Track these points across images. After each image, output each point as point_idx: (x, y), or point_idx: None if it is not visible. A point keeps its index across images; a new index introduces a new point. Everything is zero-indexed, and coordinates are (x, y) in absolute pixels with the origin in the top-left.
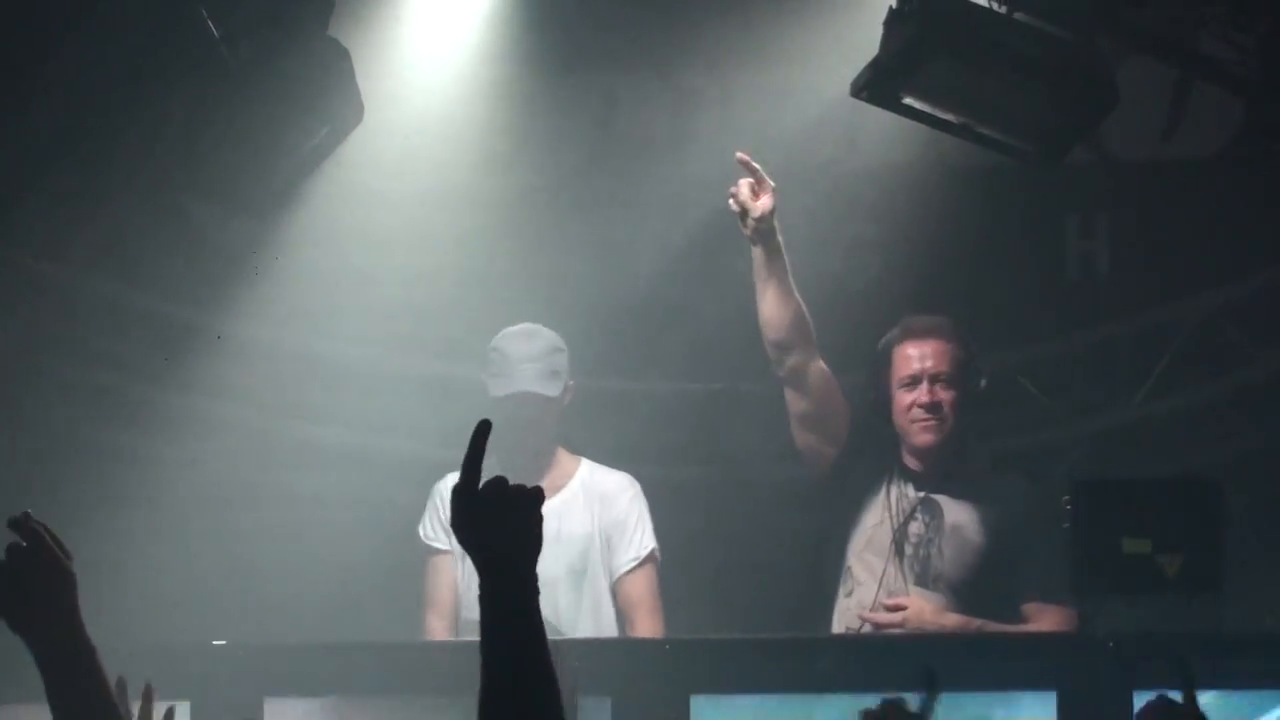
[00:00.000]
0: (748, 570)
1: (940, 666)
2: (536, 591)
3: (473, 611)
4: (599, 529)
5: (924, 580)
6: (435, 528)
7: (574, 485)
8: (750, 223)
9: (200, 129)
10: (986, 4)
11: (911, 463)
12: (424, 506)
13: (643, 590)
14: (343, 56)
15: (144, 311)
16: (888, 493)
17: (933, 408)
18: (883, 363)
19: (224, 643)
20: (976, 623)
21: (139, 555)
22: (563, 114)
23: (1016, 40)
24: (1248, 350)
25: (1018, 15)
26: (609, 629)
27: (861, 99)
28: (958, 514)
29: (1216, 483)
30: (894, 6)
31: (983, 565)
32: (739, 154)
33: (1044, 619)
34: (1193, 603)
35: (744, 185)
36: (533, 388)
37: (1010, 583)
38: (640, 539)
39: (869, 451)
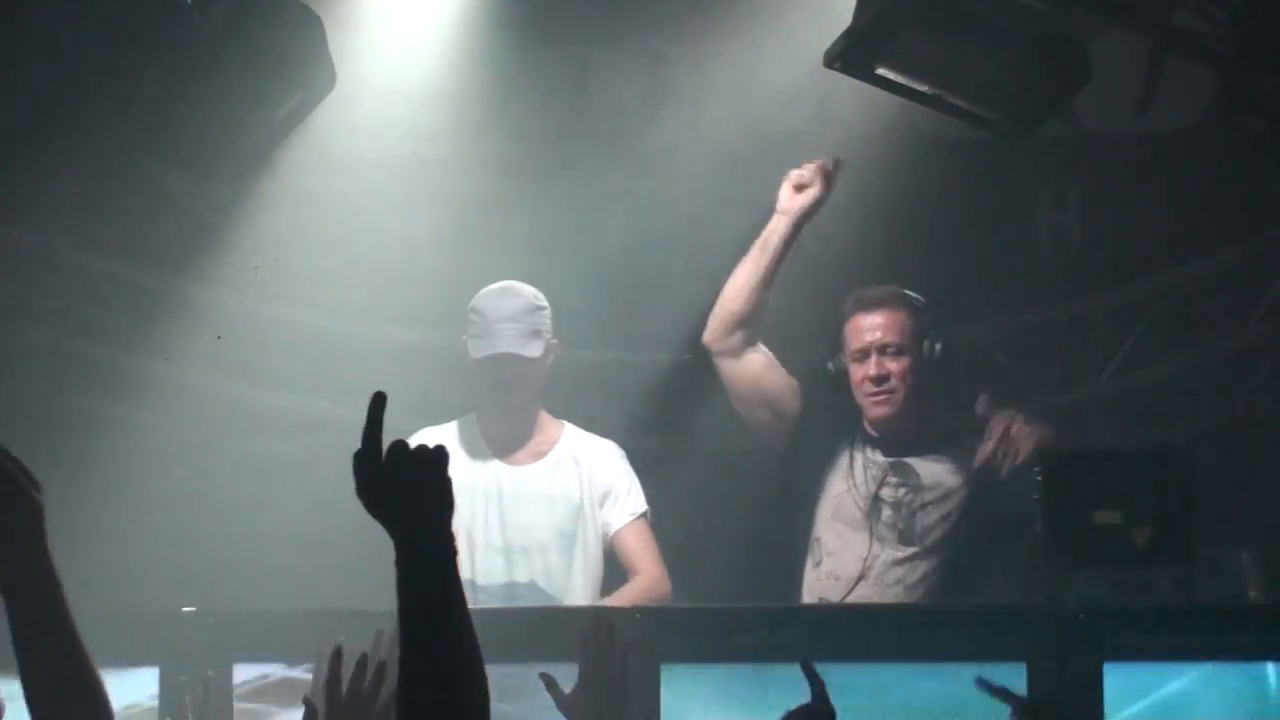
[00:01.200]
0: (717, 540)
1: (910, 637)
2: (454, 553)
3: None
4: (588, 493)
5: (909, 538)
6: None
7: (561, 449)
8: (801, 204)
9: (172, 95)
10: None
11: (874, 431)
12: None
13: (643, 539)
14: (315, 23)
15: (115, 277)
16: (851, 460)
17: (880, 380)
18: (839, 336)
19: (193, 609)
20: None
21: (109, 521)
22: (536, 82)
23: (991, 11)
24: (1219, 324)
25: None
26: (599, 592)
27: (835, 69)
28: (933, 470)
29: (1187, 455)
30: None
31: (964, 517)
32: (834, 160)
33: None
34: (1164, 575)
35: (821, 169)
36: (512, 349)
37: (994, 534)
38: (635, 500)
39: (826, 422)
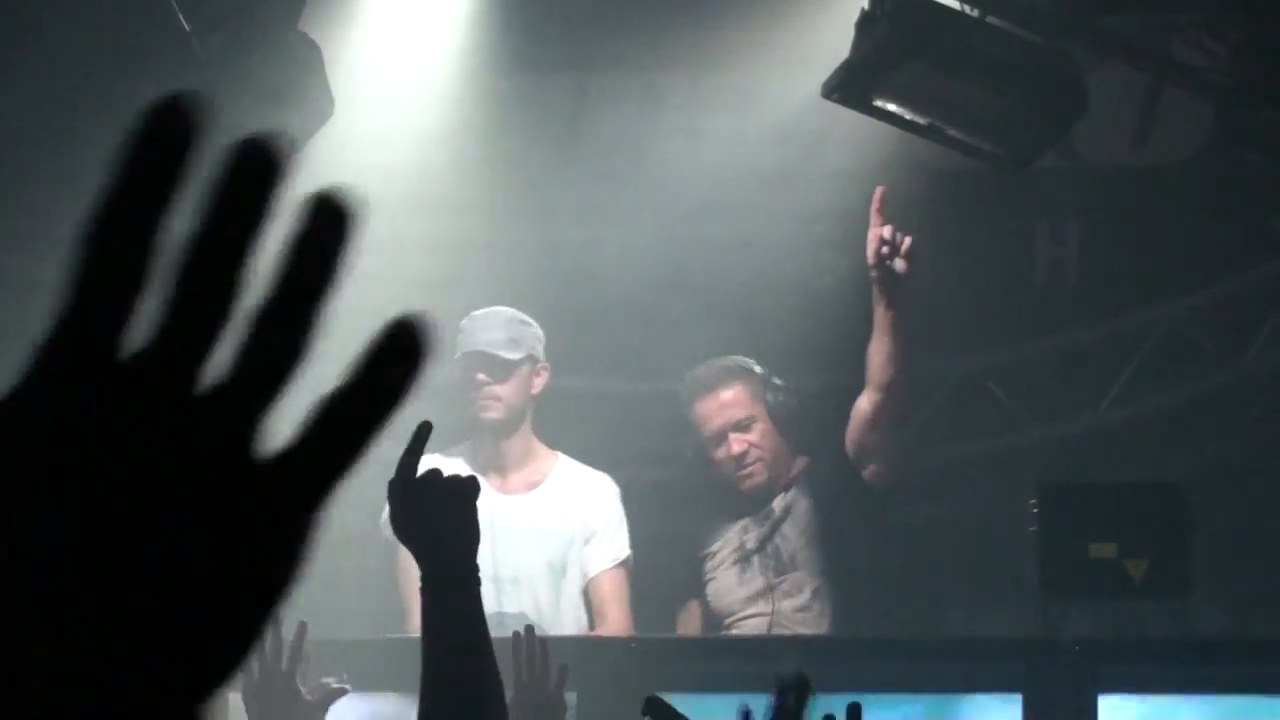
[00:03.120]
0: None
1: (908, 668)
2: (478, 582)
3: None
4: (579, 527)
5: (782, 567)
6: None
7: (553, 481)
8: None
9: None
10: (959, 7)
11: (750, 498)
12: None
13: (617, 587)
14: (313, 51)
15: None
16: (731, 534)
17: (742, 458)
18: (688, 422)
19: None
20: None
21: None
22: (532, 112)
23: (988, 44)
24: (1214, 356)
25: (990, 19)
26: (586, 626)
27: (833, 100)
28: (785, 501)
29: (1181, 488)
30: (865, 9)
31: (819, 532)
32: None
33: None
34: (1159, 607)
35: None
36: (487, 348)
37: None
38: (619, 543)
39: (704, 510)
